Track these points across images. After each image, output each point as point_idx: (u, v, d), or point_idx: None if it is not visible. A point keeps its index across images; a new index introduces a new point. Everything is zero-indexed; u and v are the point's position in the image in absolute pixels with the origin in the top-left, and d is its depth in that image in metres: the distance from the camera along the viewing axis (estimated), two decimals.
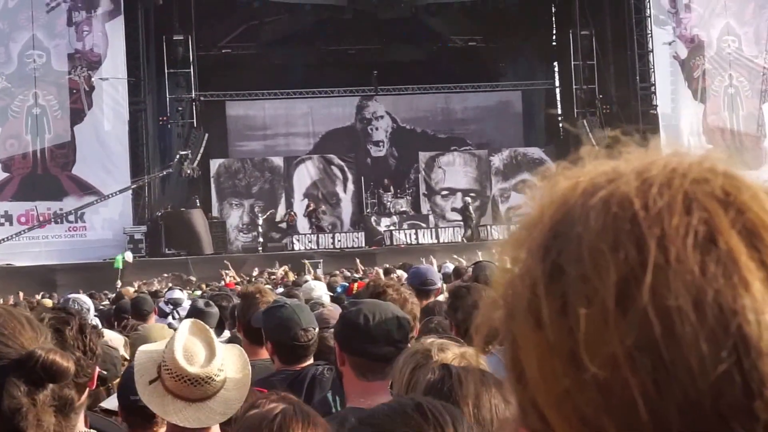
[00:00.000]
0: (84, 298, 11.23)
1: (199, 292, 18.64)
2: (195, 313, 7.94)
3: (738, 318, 0.91)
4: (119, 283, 25.20)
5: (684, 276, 0.92)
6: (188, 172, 34.69)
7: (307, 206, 37.40)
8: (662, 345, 0.91)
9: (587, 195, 0.99)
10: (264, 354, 5.68)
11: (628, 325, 0.92)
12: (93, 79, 34.82)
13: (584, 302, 0.95)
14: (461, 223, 37.45)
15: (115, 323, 10.72)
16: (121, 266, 29.18)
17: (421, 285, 7.99)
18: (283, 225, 37.26)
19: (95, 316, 11.20)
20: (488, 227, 36.82)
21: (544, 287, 0.98)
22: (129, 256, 30.61)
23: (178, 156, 34.73)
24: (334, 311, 6.66)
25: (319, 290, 10.55)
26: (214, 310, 8.26)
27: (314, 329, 5.31)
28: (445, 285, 11.38)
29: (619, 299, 0.93)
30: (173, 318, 11.36)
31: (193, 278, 24.93)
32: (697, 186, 0.97)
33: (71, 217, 34.44)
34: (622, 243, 0.94)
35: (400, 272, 16.93)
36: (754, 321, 0.91)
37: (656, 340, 0.91)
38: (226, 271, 25.36)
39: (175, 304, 12.18)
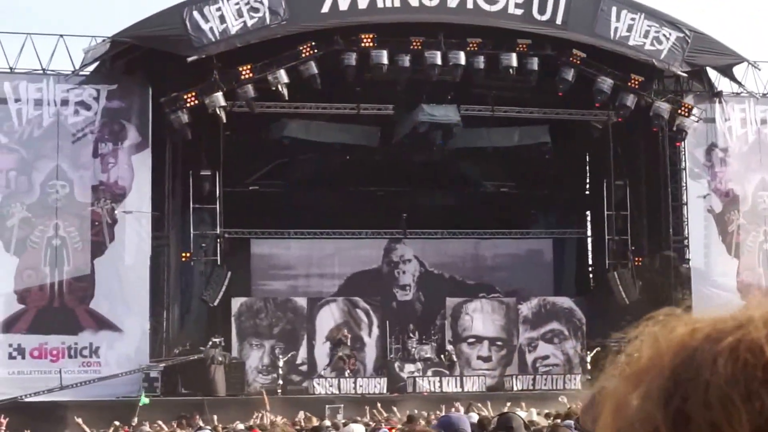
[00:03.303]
0: None
1: None
2: None
3: None
4: (135, 420, 24.82)
5: None
6: (219, 359, 34.14)
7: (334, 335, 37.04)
8: None
9: (713, 341, 0.97)
10: None
11: None
12: (116, 211, 34.59)
13: None
14: (487, 372, 37.14)
15: None
16: (146, 403, 28.70)
17: None
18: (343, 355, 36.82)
19: None
20: (513, 377, 36.30)
21: None
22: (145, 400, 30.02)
23: (210, 342, 34.29)
24: None
25: None
26: None
27: None
28: None
29: None
30: None
31: (201, 423, 24.45)
32: None
33: (85, 352, 33.93)
34: (755, 392, 0.92)
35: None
36: None
37: None
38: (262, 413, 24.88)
39: None
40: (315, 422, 21.80)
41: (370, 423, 20.67)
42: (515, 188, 42.03)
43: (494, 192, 42.09)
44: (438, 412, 23.57)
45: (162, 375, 33.86)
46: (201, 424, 24.50)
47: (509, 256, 40.99)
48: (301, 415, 26.00)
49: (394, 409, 26.38)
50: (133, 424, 23.70)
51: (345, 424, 16.54)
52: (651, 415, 0.95)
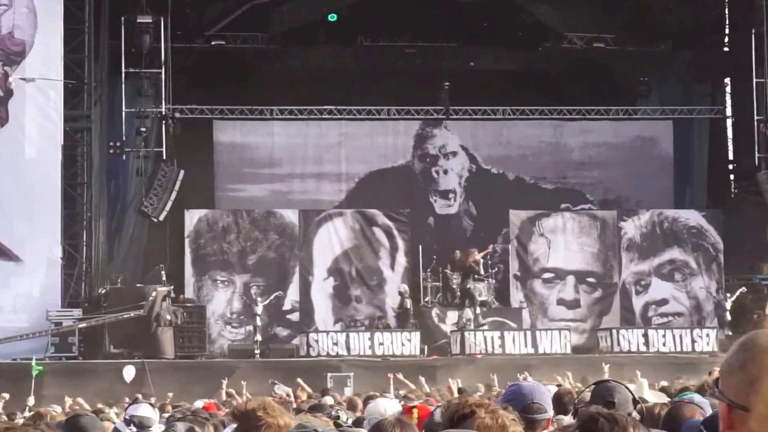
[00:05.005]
0: None
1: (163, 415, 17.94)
2: None
3: None
4: (31, 400, 24.59)
5: None
6: (168, 318, 33.68)
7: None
8: None
9: None
10: None
11: None
12: (11, 79, 34.30)
13: None
14: (573, 323, 36.71)
15: None
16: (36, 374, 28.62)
17: (523, 412, 7.35)
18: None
19: None
20: (613, 332, 35.78)
21: None
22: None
23: (153, 293, 33.61)
24: None
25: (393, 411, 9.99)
26: None
27: None
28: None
29: None
30: None
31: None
32: None
33: None
34: None
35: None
36: None
37: None
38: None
39: (141, 425, 11.36)
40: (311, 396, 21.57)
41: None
42: (615, 43, 41.34)
43: (583, 49, 41.48)
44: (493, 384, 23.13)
45: (80, 328, 34.08)
46: (139, 396, 24.34)
47: (606, 147, 40.96)
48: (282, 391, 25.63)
49: (421, 380, 25.87)
50: (29, 404, 23.61)
51: (369, 399, 16.05)
52: None
